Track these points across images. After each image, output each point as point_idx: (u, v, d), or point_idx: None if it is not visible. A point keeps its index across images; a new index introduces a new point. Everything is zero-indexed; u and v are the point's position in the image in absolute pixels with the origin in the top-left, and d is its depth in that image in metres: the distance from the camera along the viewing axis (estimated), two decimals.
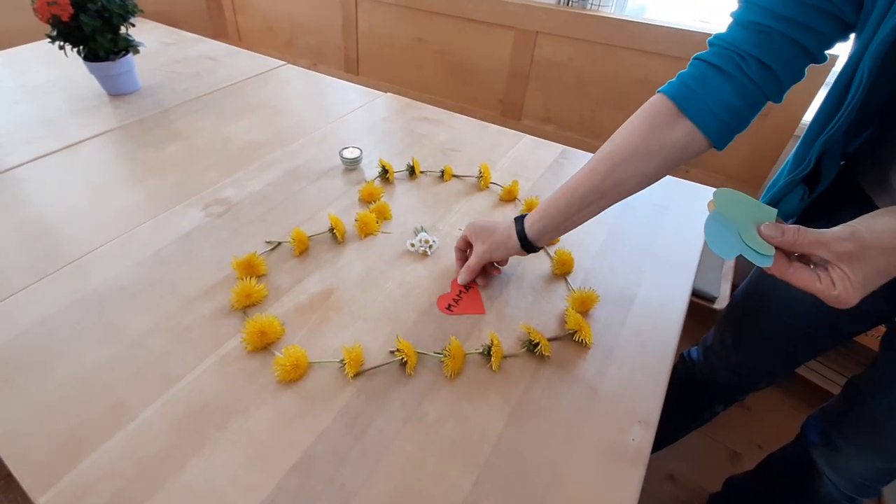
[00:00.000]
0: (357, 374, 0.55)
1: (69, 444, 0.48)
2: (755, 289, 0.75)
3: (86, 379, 0.54)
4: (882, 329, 0.66)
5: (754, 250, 0.43)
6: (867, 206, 0.51)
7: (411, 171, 0.89)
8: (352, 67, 1.96)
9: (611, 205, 0.58)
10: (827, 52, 0.49)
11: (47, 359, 0.56)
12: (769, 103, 0.51)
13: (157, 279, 0.66)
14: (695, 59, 0.52)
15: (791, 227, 0.42)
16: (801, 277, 0.41)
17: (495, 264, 0.69)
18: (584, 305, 0.64)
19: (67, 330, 0.59)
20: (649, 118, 0.54)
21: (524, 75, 1.58)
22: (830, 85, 0.52)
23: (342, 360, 0.55)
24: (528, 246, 0.63)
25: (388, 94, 1.18)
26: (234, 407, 0.52)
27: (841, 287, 0.39)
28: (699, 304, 1.17)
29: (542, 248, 0.65)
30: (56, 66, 1.21)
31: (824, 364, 1.31)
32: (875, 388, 0.64)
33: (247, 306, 0.62)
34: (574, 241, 0.76)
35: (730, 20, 0.51)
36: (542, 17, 1.45)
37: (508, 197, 0.84)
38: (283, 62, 1.32)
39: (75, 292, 0.63)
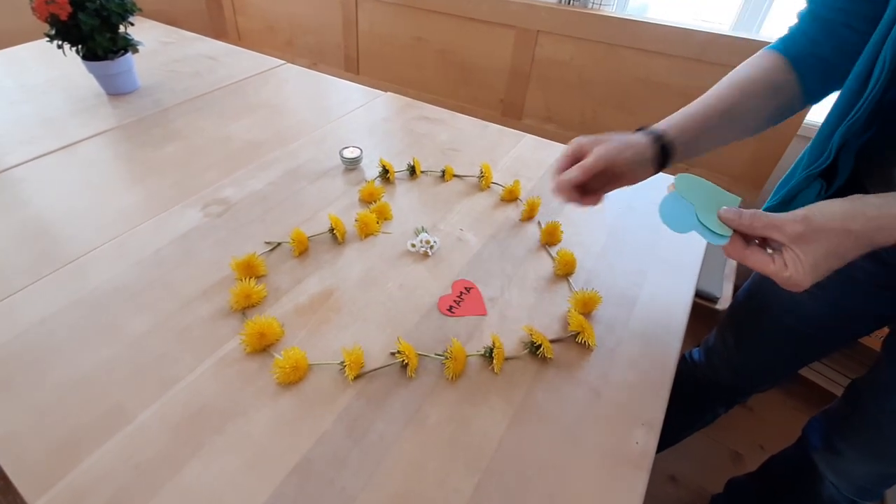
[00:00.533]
0: (357, 377, 0.55)
1: (66, 447, 0.47)
2: (757, 289, 0.74)
3: (84, 381, 0.53)
4: (886, 331, 0.65)
5: (709, 230, 0.45)
6: None
7: (412, 171, 0.88)
8: (352, 67, 1.96)
9: (729, 140, 0.58)
10: None
11: (45, 360, 0.55)
12: None
13: (156, 280, 0.65)
14: (790, 29, 0.58)
15: (748, 211, 0.44)
16: (756, 259, 0.43)
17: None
18: (587, 307, 0.63)
19: (66, 331, 0.58)
20: (765, 65, 0.57)
21: (525, 75, 1.57)
22: (850, 73, 0.51)
23: (342, 362, 0.55)
24: (666, 146, 0.54)
25: (389, 93, 1.18)
26: (232, 409, 0.51)
27: (793, 268, 0.40)
28: (701, 305, 1.17)
29: (671, 161, 0.55)
30: (54, 65, 1.21)
31: (827, 365, 1.30)
32: (876, 391, 0.63)
33: (246, 307, 0.62)
34: (576, 242, 0.75)
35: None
36: (544, 16, 1.44)
37: (510, 197, 0.84)
38: (283, 61, 1.31)
39: (74, 293, 0.63)
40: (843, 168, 0.53)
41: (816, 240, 0.40)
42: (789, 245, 0.41)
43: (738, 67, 0.58)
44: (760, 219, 0.43)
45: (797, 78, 0.55)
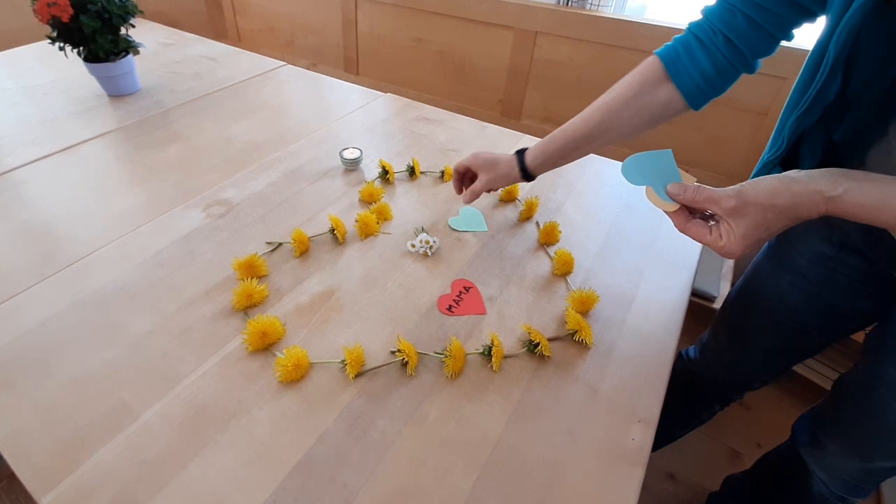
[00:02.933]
0: (358, 375, 0.55)
1: (72, 446, 0.48)
2: (748, 286, 0.75)
3: (87, 380, 0.54)
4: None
5: (663, 189, 0.50)
6: None
7: (411, 172, 0.89)
8: (352, 68, 1.96)
9: (602, 147, 0.66)
10: (795, 31, 0.54)
11: (49, 360, 0.56)
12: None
13: (158, 280, 0.66)
14: (688, 26, 0.59)
15: (691, 186, 0.48)
16: (696, 231, 0.47)
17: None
18: (585, 305, 0.64)
19: (69, 331, 0.59)
20: (641, 78, 0.61)
21: (524, 75, 1.58)
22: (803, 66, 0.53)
23: (343, 361, 0.55)
24: (527, 175, 0.71)
25: (388, 94, 1.18)
26: (235, 408, 0.52)
27: (726, 239, 0.45)
28: (699, 304, 1.18)
29: (536, 176, 0.72)
30: (56, 67, 1.21)
31: (825, 364, 1.31)
32: (857, 387, 0.64)
33: (248, 307, 0.63)
34: (574, 242, 0.76)
35: None
36: (542, 17, 1.45)
37: (508, 197, 0.84)
38: (283, 62, 1.32)
39: (76, 294, 0.64)
40: (806, 159, 0.55)
41: (747, 213, 0.43)
42: (725, 218, 0.45)
43: (622, 79, 0.63)
44: (701, 193, 0.47)
45: (676, 88, 0.59)
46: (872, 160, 0.50)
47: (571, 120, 0.66)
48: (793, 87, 0.54)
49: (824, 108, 0.49)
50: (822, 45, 0.49)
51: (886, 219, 0.40)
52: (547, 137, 0.69)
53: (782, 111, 0.56)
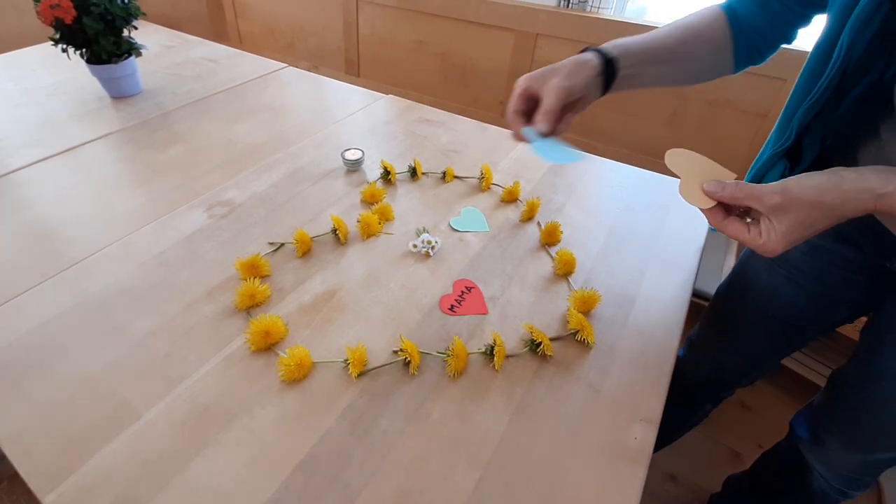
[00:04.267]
0: (361, 374, 0.55)
1: (74, 445, 0.48)
2: (738, 281, 0.75)
3: (90, 380, 0.54)
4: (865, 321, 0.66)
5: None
6: None
7: (413, 173, 0.89)
8: (353, 69, 1.97)
9: (668, 81, 0.62)
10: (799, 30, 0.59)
11: (51, 361, 0.56)
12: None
13: (161, 281, 0.66)
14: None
15: (731, 183, 0.46)
16: (734, 229, 0.46)
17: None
18: (586, 305, 0.64)
19: (71, 332, 0.59)
20: (709, 19, 0.60)
21: None
22: (808, 57, 0.53)
23: (346, 360, 0.56)
24: (611, 62, 0.55)
25: (390, 96, 1.19)
26: (238, 407, 0.52)
27: (766, 236, 0.43)
28: (699, 304, 1.17)
29: (616, 79, 0.56)
30: (58, 68, 1.22)
31: (825, 364, 1.31)
32: (855, 380, 0.64)
33: (250, 307, 0.63)
34: (575, 242, 0.76)
35: None
36: (543, 19, 1.45)
37: (510, 198, 0.84)
38: (285, 64, 1.32)
39: (78, 295, 0.64)
40: (808, 150, 0.54)
41: (791, 210, 0.42)
42: (766, 214, 0.43)
43: (684, 17, 0.61)
44: (742, 189, 0.45)
45: (732, 41, 0.59)
46: (863, 158, 0.50)
47: (646, 34, 0.59)
48: (797, 81, 0.54)
49: (826, 100, 0.49)
50: (830, 35, 0.49)
51: None
52: (622, 39, 0.57)
53: (786, 105, 0.56)
